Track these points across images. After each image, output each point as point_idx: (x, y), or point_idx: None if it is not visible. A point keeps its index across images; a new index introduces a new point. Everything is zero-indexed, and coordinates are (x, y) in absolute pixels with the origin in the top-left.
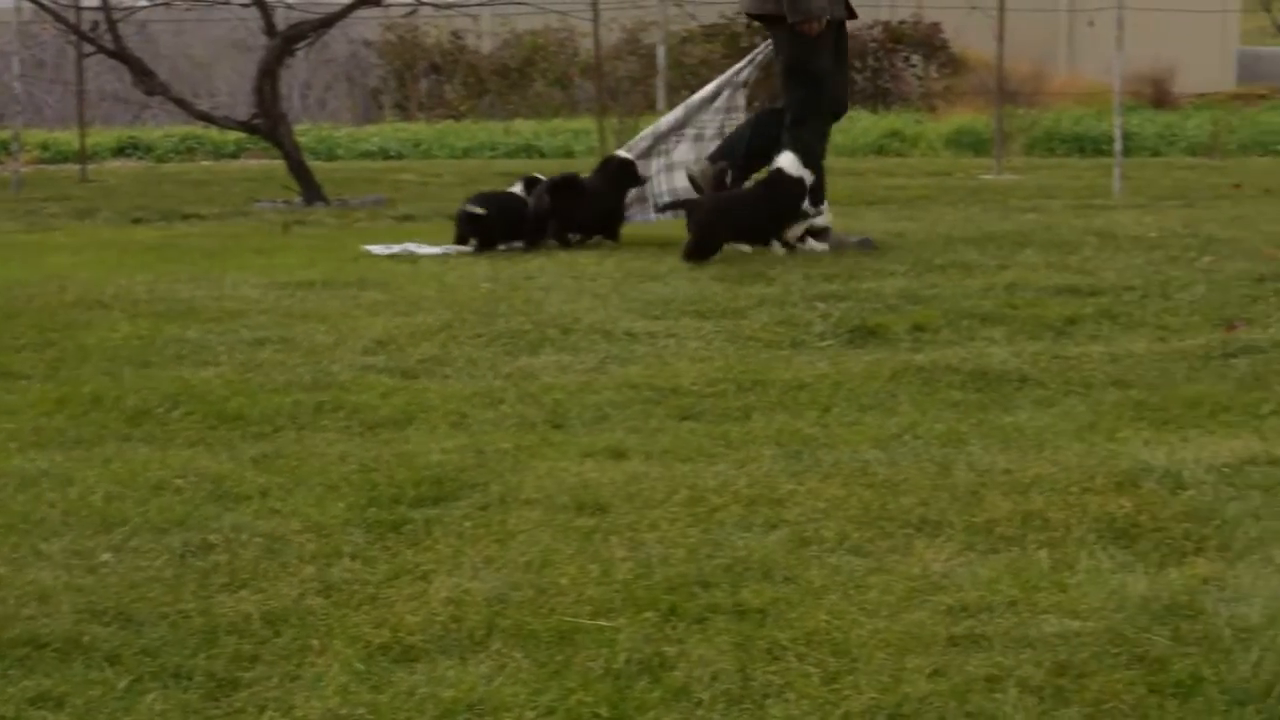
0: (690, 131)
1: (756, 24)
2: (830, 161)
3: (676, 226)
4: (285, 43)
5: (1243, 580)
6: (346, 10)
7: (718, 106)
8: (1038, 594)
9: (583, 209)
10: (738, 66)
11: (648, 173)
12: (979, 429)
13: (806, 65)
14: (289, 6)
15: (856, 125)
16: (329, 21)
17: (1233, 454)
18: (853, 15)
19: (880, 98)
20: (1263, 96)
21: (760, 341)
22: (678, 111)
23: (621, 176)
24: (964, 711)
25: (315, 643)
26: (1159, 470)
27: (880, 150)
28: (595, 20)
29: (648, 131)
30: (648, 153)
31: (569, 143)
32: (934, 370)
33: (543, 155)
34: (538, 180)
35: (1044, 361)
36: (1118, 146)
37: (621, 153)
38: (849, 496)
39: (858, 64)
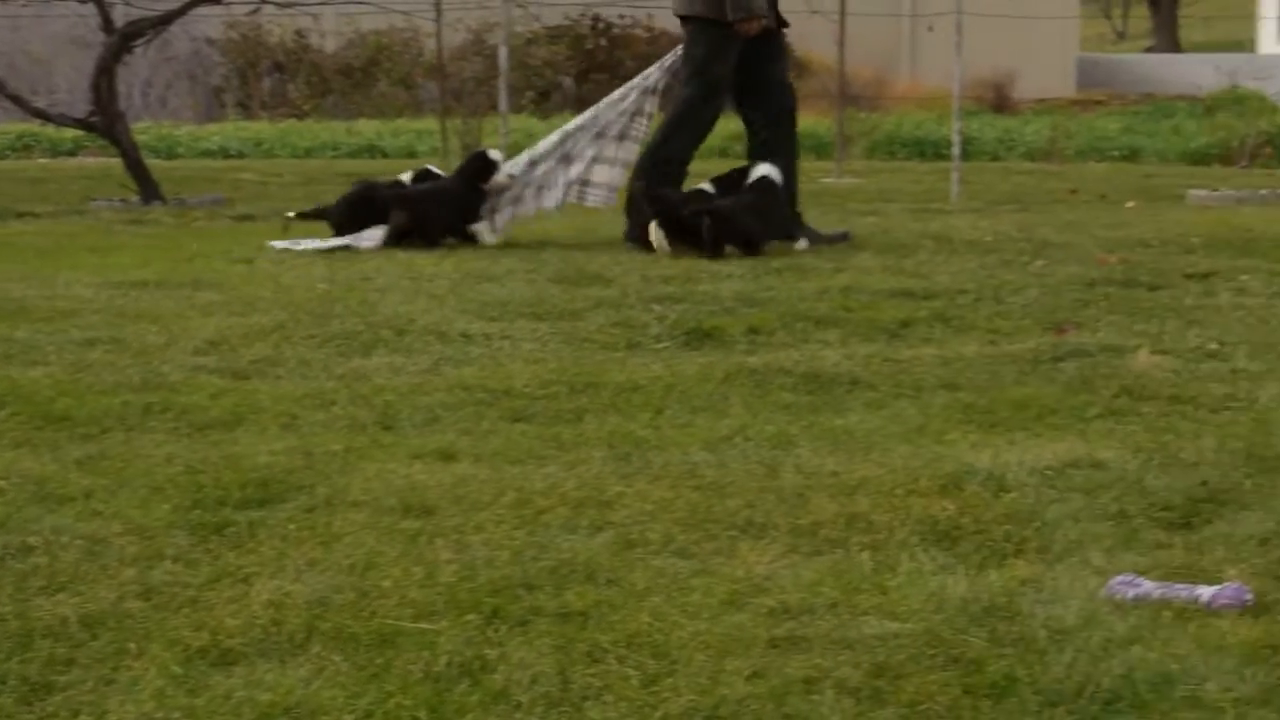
0: (592, 129)
1: (602, 26)
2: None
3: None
4: (123, 40)
5: (1060, 582)
6: (185, 8)
7: (624, 109)
8: (859, 596)
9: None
10: (647, 72)
11: (540, 179)
12: (809, 431)
13: (708, 68)
14: (127, 3)
15: None
16: (168, 19)
17: (1056, 457)
18: (784, 24)
19: None
20: (1099, 102)
21: (595, 343)
22: (587, 113)
23: (482, 175)
24: (781, 713)
25: (133, 646)
26: (983, 472)
27: (724, 153)
28: (439, 21)
29: (555, 134)
30: (552, 152)
31: (412, 143)
32: (767, 372)
33: (385, 156)
34: (430, 173)
35: (876, 364)
36: (956, 151)
37: (491, 152)
38: (676, 499)
39: None
